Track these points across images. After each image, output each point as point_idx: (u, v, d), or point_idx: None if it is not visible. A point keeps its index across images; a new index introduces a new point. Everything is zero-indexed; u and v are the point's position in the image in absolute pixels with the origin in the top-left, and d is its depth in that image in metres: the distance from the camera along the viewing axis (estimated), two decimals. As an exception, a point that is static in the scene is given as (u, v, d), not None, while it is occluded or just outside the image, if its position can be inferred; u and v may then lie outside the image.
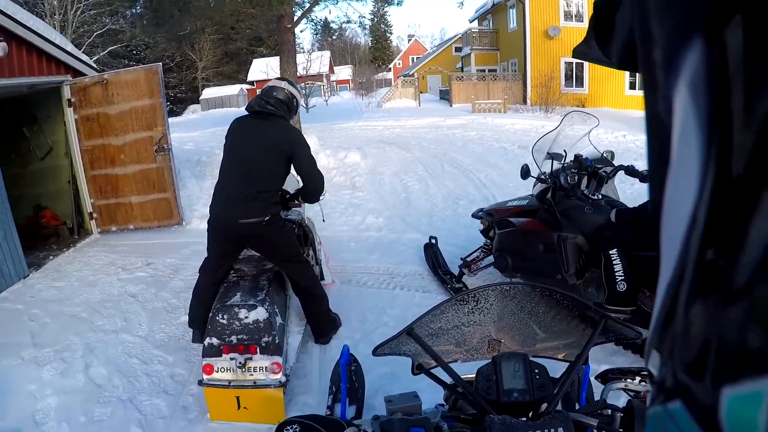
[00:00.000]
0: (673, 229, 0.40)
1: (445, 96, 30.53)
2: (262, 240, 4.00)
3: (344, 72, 57.12)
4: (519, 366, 1.39)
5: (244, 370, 3.38)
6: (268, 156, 3.87)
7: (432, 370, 1.53)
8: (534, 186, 4.72)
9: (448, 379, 1.48)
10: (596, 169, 4.29)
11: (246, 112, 4.09)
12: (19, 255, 6.51)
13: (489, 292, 1.53)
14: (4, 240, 6.24)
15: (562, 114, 5.00)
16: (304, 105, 22.49)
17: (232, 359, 3.37)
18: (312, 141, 11.40)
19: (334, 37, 58.71)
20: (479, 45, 30.49)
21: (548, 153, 4.29)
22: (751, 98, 0.32)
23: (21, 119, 8.54)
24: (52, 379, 4.33)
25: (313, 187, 4.15)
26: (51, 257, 7.25)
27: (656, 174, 0.45)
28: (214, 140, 13.38)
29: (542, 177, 4.32)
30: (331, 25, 19.22)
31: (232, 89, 47.08)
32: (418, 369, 1.54)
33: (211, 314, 3.57)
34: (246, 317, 3.47)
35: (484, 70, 29.12)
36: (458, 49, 39.04)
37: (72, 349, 4.74)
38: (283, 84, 4.06)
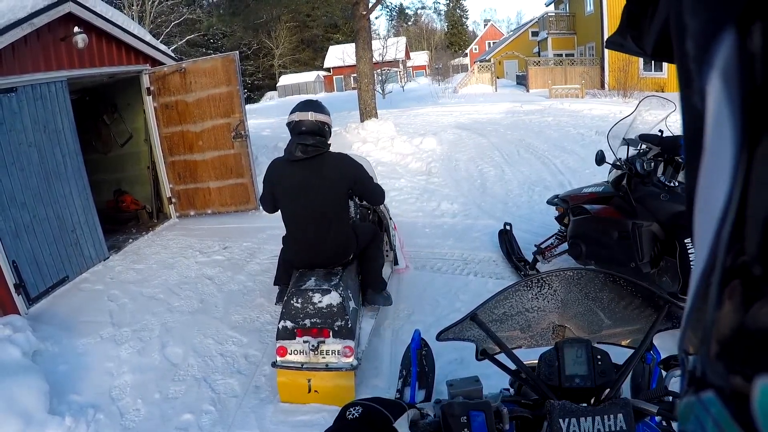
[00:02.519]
0: (706, 219, 0.40)
1: (522, 81, 29.85)
2: None
3: (420, 58, 56.83)
4: (581, 352, 1.37)
5: (316, 353, 3.45)
6: (335, 198, 3.81)
7: (496, 356, 1.52)
8: (609, 172, 4.61)
9: (512, 365, 1.47)
10: (673, 156, 4.17)
11: (286, 154, 3.86)
12: (100, 238, 6.72)
13: (553, 278, 1.54)
14: (86, 223, 6.45)
15: (640, 99, 4.76)
16: (381, 91, 22.45)
17: (305, 342, 3.45)
18: (388, 126, 11.36)
19: (409, 23, 58.42)
20: (556, 29, 29.78)
21: (624, 139, 4.28)
22: None
23: (102, 107, 8.84)
24: (129, 357, 4.46)
25: (379, 202, 4.19)
26: (130, 240, 7.46)
27: (691, 164, 0.44)
28: None
29: (618, 163, 4.28)
30: (406, 11, 19.06)
31: (309, 76, 47.66)
32: (482, 354, 1.54)
33: (286, 298, 3.64)
34: (320, 301, 3.52)
35: (561, 55, 28.38)
36: (535, 34, 38.17)
37: (149, 329, 4.88)
38: (309, 115, 3.76)
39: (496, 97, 23.33)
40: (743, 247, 0.36)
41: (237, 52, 7.66)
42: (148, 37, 7.83)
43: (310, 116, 3.75)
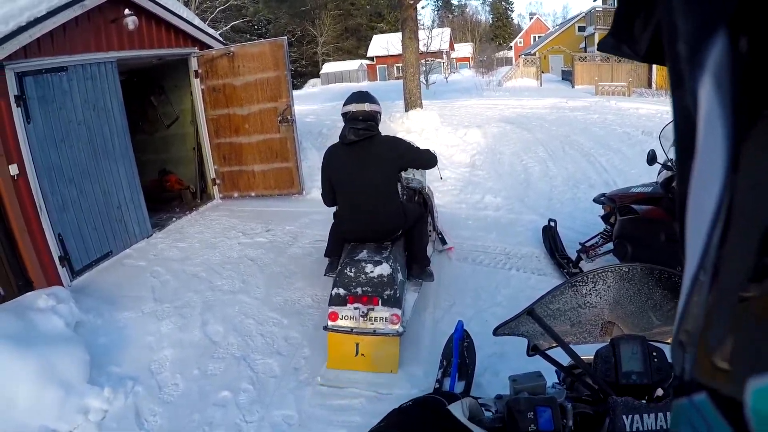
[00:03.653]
0: (697, 222, 0.40)
1: (567, 77, 29.41)
2: None
3: (464, 49, 56.33)
4: (637, 348, 1.35)
5: (366, 319, 3.68)
6: (387, 175, 4.09)
7: (547, 352, 1.53)
8: (659, 173, 4.57)
9: (563, 361, 1.48)
10: None
11: (341, 140, 4.13)
12: (144, 215, 6.86)
13: (608, 274, 1.53)
14: (131, 201, 6.58)
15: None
16: (425, 81, 22.37)
17: (355, 309, 3.69)
18: (432, 117, 11.30)
19: (454, 14, 57.98)
20: (603, 24, 29.27)
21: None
22: None
23: (149, 89, 8.98)
24: (170, 332, 4.55)
25: (433, 164, 4.41)
26: (174, 219, 7.59)
27: (683, 166, 0.44)
28: (335, 113, 13.49)
29: (668, 164, 4.32)
30: (452, 1, 18.92)
31: (352, 64, 47.66)
32: (533, 350, 1.55)
33: (339, 267, 3.91)
34: (372, 272, 3.76)
35: (608, 51, 27.83)
36: (581, 29, 37.60)
37: (190, 306, 4.96)
38: (365, 106, 4.07)
39: (541, 91, 23.02)
40: (737, 251, 0.36)
41: (285, 38, 7.66)
42: (197, 21, 7.92)
43: (366, 107, 4.06)
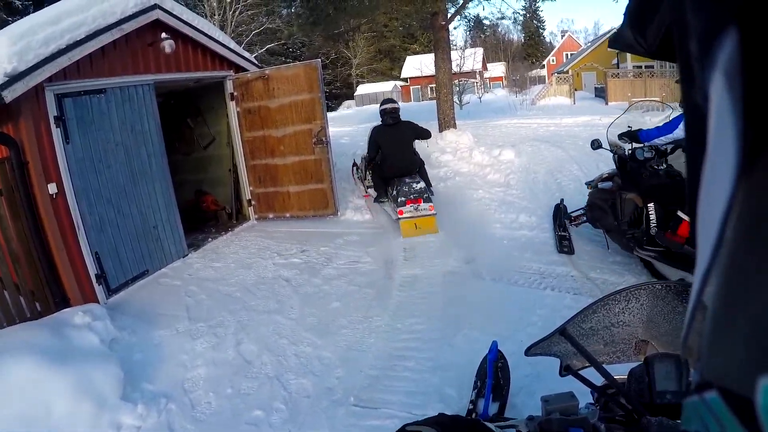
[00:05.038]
0: (708, 220, 0.40)
1: (601, 93, 29.03)
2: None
3: (497, 69, 56.25)
4: (671, 367, 1.33)
5: (417, 210, 6.81)
6: (410, 140, 7.68)
7: (580, 372, 1.53)
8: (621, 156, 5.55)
9: (596, 381, 1.47)
10: (658, 146, 5.13)
11: (381, 122, 7.75)
12: (180, 235, 6.96)
13: (641, 292, 1.54)
14: (167, 221, 6.69)
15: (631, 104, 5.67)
16: (458, 102, 22.34)
17: (411, 207, 6.80)
18: (466, 138, 11.32)
19: (486, 34, 58.02)
20: (635, 40, 28.79)
21: (619, 135, 5.45)
22: None
23: (186, 110, 9.18)
24: (204, 351, 4.59)
25: (429, 136, 8.09)
26: (209, 239, 7.68)
27: (693, 162, 0.44)
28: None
29: (611, 149, 5.72)
30: (484, 21, 18.89)
31: (386, 85, 47.78)
32: (565, 370, 1.55)
33: (398, 188, 7.06)
34: (415, 187, 6.97)
35: (640, 67, 27.48)
36: (614, 45, 37.04)
37: (225, 326, 5.00)
38: (395, 105, 7.81)
39: (575, 109, 22.80)
40: (749, 246, 0.36)
41: (319, 60, 7.75)
42: (233, 44, 8.07)
43: (394, 105, 7.74)
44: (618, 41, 0.92)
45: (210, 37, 7.42)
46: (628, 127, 5.44)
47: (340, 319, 4.89)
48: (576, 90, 31.65)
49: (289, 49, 38.99)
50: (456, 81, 21.68)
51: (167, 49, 6.48)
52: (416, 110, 24.97)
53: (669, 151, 5.14)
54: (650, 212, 4.75)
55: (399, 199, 6.83)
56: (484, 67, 52.00)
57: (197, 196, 9.10)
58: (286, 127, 7.87)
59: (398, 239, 6.84)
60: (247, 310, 5.26)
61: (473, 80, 39.81)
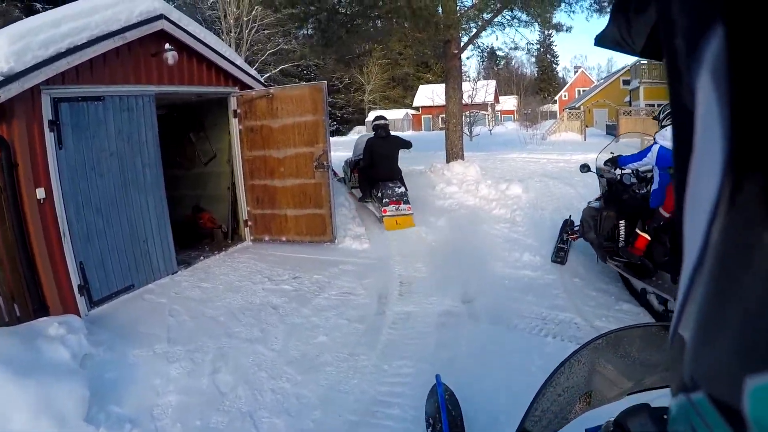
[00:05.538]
0: (695, 218, 0.40)
1: (612, 131, 28.87)
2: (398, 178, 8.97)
3: (509, 102, 56.38)
4: (646, 419, 1.16)
5: (398, 210, 8.24)
6: (396, 152, 9.00)
7: None
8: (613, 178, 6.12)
9: None
10: (638, 172, 5.82)
11: (374, 135, 9.20)
12: (171, 251, 6.77)
13: (582, 353, 1.61)
14: (158, 235, 6.52)
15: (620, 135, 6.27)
16: (468, 133, 22.29)
17: (393, 207, 8.24)
18: (473, 170, 11.21)
19: (500, 66, 58.25)
20: (648, 78, 28.95)
21: (605, 161, 6.11)
22: None
23: (189, 125, 9.02)
24: (178, 376, 4.37)
25: (410, 146, 9.31)
26: (202, 258, 7.48)
27: (680, 161, 0.44)
28: None
29: (598, 173, 6.34)
30: (498, 52, 18.84)
31: (398, 113, 47.89)
32: None
33: (382, 191, 8.48)
34: (397, 190, 8.45)
35: (653, 105, 27.38)
36: (626, 82, 37.27)
37: (203, 351, 4.78)
38: (386, 121, 9.33)
39: (586, 146, 22.60)
40: (736, 246, 0.36)
41: (325, 81, 7.62)
42: (239, 61, 7.93)
43: (385, 122, 9.16)
44: (604, 39, 0.90)
45: (216, 52, 7.30)
46: (611, 153, 6.21)
47: (325, 355, 4.64)
48: (587, 126, 31.63)
49: (303, 71, 39.11)
50: (467, 112, 21.61)
51: (170, 61, 6.34)
52: (425, 139, 24.92)
53: (650, 177, 5.65)
54: (620, 228, 5.61)
55: (384, 200, 8.40)
56: (496, 100, 52.19)
57: (194, 212, 8.91)
58: (287, 148, 7.68)
59: (395, 271, 6.64)
60: (228, 337, 5.02)
61: (484, 112, 39.88)
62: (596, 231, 5.87)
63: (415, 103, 49.23)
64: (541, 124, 37.66)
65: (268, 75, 28.54)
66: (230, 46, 31.11)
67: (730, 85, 0.34)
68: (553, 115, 48.76)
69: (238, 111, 7.89)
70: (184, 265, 7.07)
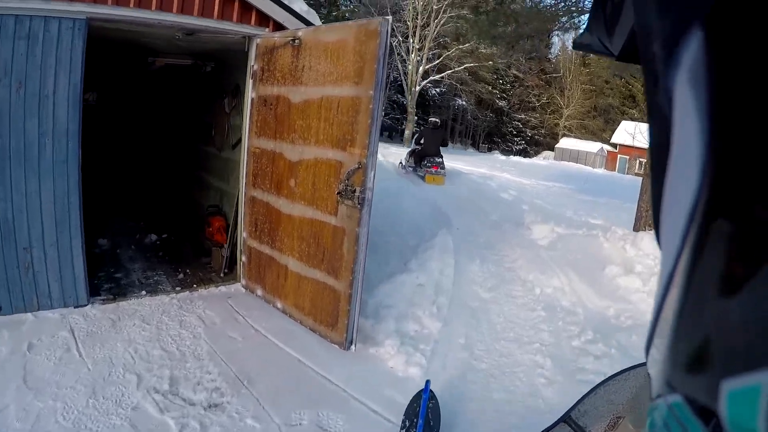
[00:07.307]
0: (672, 222, 0.40)
1: None
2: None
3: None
4: None
5: (436, 173, 12.82)
6: (439, 139, 13.73)
7: None
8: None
9: None
10: None
11: (429, 126, 13.96)
12: (77, 270, 4.23)
13: (638, 370, 1.62)
14: (54, 244, 4.12)
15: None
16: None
17: (434, 170, 12.88)
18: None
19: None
20: None
21: None
22: (750, 89, 0.33)
23: (225, 86, 6.11)
24: None
25: (446, 145, 14.57)
26: (160, 291, 4.77)
27: (656, 167, 0.44)
28: (550, 195, 13.57)
29: None
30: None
31: (592, 146, 43.20)
32: None
33: (428, 161, 13.06)
34: (437, 160, 13.27)
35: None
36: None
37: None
38: (438, 121, 14.38)
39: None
40: (713, 251, 0.36)
41: (386, 18, 3.67)
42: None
43: (438, 121, 14.71)
44: (582, 43, 0.85)
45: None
46: None
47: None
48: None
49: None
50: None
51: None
52: (614, 184, 19.81)
53: None
54: None
55: (428, 166, 12.48)
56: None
57: (207, 214, 6.04)
58: (306, 144, 4.21)
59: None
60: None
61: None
62: None
63: (614, 139, 43.59)
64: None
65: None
66: (414, 35, 28.60)
67: (707, 87, 0.34)
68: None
69: (256, 68, 4.69)
70: (107, 296, 4.43)
